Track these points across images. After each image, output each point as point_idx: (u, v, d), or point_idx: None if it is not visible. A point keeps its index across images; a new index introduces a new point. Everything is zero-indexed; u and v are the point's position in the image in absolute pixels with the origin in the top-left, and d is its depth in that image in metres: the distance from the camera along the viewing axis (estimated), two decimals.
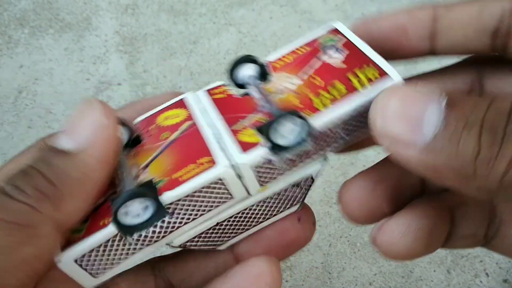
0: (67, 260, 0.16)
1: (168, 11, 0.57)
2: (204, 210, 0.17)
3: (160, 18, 0.56)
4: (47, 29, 0.56)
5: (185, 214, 0.17)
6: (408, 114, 0.13)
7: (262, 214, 0.19)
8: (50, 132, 0.49)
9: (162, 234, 0.17)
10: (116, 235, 0.16)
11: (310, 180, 0.19)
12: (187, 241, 0.19)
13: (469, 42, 0.17)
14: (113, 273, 0.17)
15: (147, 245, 0.17)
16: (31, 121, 0.49)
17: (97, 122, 0.16)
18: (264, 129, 0.16)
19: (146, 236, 0.17)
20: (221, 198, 0.17)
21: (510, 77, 0.18)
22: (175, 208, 0.16)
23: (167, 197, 0.16)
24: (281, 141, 0.16)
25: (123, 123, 0.19)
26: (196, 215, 0.17)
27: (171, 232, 0.17)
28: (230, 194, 0.17)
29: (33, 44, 0.54)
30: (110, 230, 0.16)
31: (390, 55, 0.19)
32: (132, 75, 0.52)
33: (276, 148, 0.16)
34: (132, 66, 0.53)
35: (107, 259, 0.17)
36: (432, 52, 0.19)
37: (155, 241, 0.17)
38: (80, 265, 0.16)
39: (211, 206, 0.17)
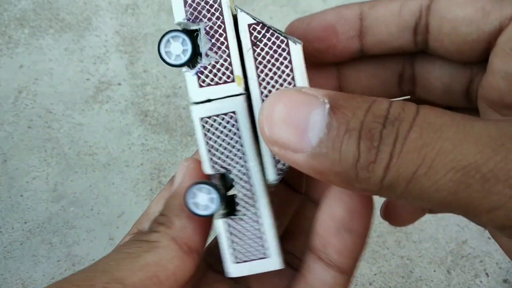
0: (230, 266, 0.18)
1: (168, 11, 0.57)
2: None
3: (160, 18, 0.56)
4: (47, 29, 0.56)
5: None
6: (293, 120, 0.13)
7: None
8: (50, 132, 0.49)
9: None
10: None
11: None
12: None
13: (394, 40, 0.17)
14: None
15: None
16: (31, 121, 0.49)
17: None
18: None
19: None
20: None
21: (436, 62, 0.18)
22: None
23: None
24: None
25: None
26: None
27: None
28: None
29: (33, 44, 0.54)
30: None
31: (324, 56, 0.19)
32: (132, 75, 0.52)
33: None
34: (132, 66, 0.53)
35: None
36: (363, 51, 0.18)
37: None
38: (239, 262, 0.18)
39: None
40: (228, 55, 0.17)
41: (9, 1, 0.58)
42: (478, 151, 0.12)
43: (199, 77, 0.17)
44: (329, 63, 0.19)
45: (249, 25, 0.16)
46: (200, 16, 0.17)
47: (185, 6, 0.16)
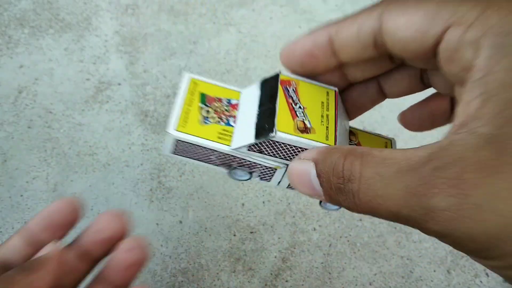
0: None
1: (168, 11, 0.57)
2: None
3: (160, 18, 0.56)
4: (47, 29, 0.56)
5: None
6: (303, 182, 0.21)
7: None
8: (50, 132, 0.49)
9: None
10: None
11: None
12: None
13: (363, 54, 0.21)
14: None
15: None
16: (31, 121, 0.49)
17: None
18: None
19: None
20: None
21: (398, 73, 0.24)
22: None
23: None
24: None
25: None
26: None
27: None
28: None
29: (33, 44, 0.54)
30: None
31: (313, 75, 0.24)
32: (132, 75, 0.52)
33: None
34: (132, 66, 0.53)
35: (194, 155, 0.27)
36: (343, 64, 0.23)
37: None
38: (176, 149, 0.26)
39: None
40: (271, 173, 0.28)
41: (9, 1, 0.58)
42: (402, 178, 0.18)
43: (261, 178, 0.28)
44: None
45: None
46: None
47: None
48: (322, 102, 0.27)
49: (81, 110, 0.50)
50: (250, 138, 0.26)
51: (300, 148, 0.25)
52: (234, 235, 0.43)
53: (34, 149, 0.48)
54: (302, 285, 0.40)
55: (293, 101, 0.26)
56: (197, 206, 0.44)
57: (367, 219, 0.43)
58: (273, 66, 0.52)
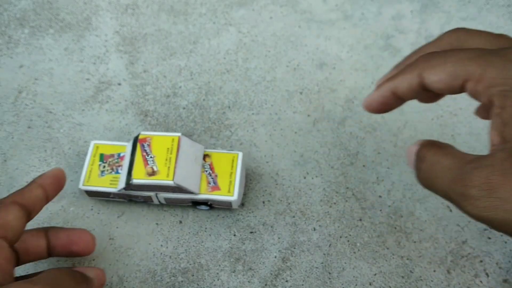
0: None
1: (168, 11, 0.57)
2: None
3: (160, 18, 0.56)
4: (47, 29, 0.56)
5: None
6: (408, 157, 0.30)
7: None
8: (50, 132, 0.49)
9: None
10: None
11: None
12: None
13: (417, 95, 0.31)
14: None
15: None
16: (31, 121, 0.49)
17: None
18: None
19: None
20: None
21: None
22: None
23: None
24: None
25: None
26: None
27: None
28: None
29: (33, 44, 0.54)
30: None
31: (387, 112, 0.34)
32: (132, 75, 0.52)
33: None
34: (132, 66, 0.53)
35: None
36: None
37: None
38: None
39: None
40: None
41: (9, 1, 0.58)
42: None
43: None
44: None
45: None
46: None
47: None
48: (168, 148, 0.39)
49: (81, 110, 0.50)
50: (123, 184, 0.40)
51: (152, 185, 0.39)
52: (234, 235, 0.43)
53: (34, 149, 0.48)
54: (302, 285, 0.40)
55: (147, 153, 0.39)
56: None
57: (367, 219, 0.43)
58: (273, 66, 0.52)
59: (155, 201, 0.42)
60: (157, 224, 0.43)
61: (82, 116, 0.50)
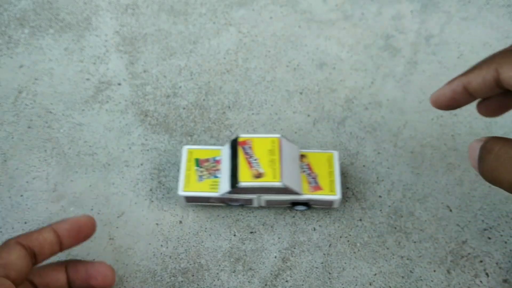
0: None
1: (168, 11, 0.57)
2: None
3: (160, 18, 0.56)
4: (47, 29, 0.56)
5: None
6: (471, 152, 0.31)
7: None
8: (50, 132, 0.49)
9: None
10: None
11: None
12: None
13: (489, 93, 0.31)
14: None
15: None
16: (31, 121, 0.49)
17: None
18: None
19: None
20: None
21: None
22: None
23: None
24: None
25: None
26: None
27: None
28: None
29: (33, 44, 0.54)
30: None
31: (454, 109, 0.34)
32: (132, 75, 0.52)
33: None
34: (132, 66, 0.53)
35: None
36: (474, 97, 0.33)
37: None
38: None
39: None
40: None
41: (9, 1, 0.58)
42: None
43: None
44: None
45: None
46: None
47: None
48: (270, 150, 0.40)
49: (81, 110, 0.50)
50: (227, 187, 0.40)
51: (258, 187, 0.39)
52: (234, 235, 0.43)
53: (34, 149, 0.48)
54: (302, 285, 0.40)
55: (249, 155, 0.39)
56: (197, 206, 0.44)
57: (367, 219, 0.43)
58: (273, 66, 0.52)
59: (255, 203, 0.42)
60: (157, 224, 0.43)
61: (82, 116, 0.50)
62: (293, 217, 0.43)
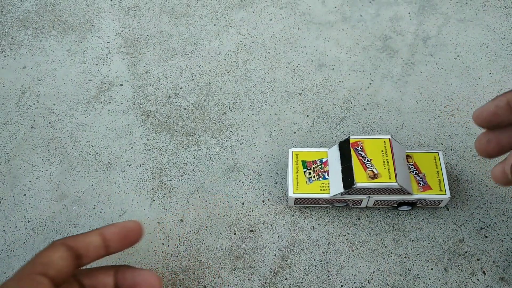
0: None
1: (169, 13, 0.57)
2: None
3: (161, 20, 0.57)
4: (50, 30, 0.56)
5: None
6: (508, 166, 0.31)
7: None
8: (52, 132, 0.49)
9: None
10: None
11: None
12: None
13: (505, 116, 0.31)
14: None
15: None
16: (34, 121, 0.50)
17: None
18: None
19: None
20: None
21: None
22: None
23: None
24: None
25: None
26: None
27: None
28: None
29: (36, 46, 0.55)
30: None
31: (496, 127, 0.32)
32: (134, 76, 0.53)
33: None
34: (133, 67, 0.53)
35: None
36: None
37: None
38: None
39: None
40: None
41: (12, 2, 0.58)
42: None
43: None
44: None
45: None
46: None
47: None
48: (382, 151, 0.40)
49: (83, 111, 0.51)
50: (341, 188, 0.40)
51: (374, 188, 0.39)
52: (234, 234, 0.43)
53: (37, 149, 0.48)
54: (301, 282, 0.41)
55: (362, 157, 0.40)
56: (197, 205, 0.45)
57: (365, 218, 0.44)
58: (272, 67, 0.53)
59: (363, 204, 0.42)
60: (158, 222, 0.44)
61: (85, 116, 0.50)
62: (292, 215, 0.44)
